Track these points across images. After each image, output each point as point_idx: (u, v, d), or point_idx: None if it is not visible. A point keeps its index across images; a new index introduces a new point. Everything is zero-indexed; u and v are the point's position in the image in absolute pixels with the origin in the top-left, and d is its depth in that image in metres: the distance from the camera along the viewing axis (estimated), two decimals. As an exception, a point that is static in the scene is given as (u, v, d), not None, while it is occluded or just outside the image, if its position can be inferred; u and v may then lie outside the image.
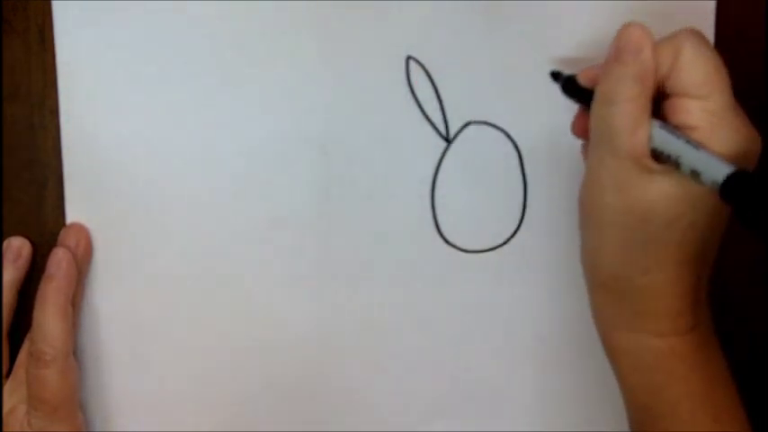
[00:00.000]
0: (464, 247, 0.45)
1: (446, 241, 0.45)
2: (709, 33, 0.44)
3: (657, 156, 0.35)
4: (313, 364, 0.46)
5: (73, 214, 0.44)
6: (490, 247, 0.45)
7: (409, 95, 0.44)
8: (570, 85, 0.40)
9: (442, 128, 0.44)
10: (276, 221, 0.45)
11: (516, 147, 0.44)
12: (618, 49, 0.37)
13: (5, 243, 0.44)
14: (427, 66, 0.43)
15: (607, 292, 0.39)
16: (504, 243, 0.45)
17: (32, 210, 0.44)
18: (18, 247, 0.44)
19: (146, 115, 0.43)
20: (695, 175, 0.34)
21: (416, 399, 0.47)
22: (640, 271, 0.37)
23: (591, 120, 0.37)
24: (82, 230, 0.44)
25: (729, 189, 0.33)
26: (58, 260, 0.42)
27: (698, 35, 0.37)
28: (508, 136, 0.44)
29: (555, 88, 0.43)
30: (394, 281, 0.45)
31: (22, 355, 0.44)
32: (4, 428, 0.42)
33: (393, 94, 0.44)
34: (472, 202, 0.45)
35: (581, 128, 0.41)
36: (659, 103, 0.37)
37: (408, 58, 0.43)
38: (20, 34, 0.43)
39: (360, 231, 0.45)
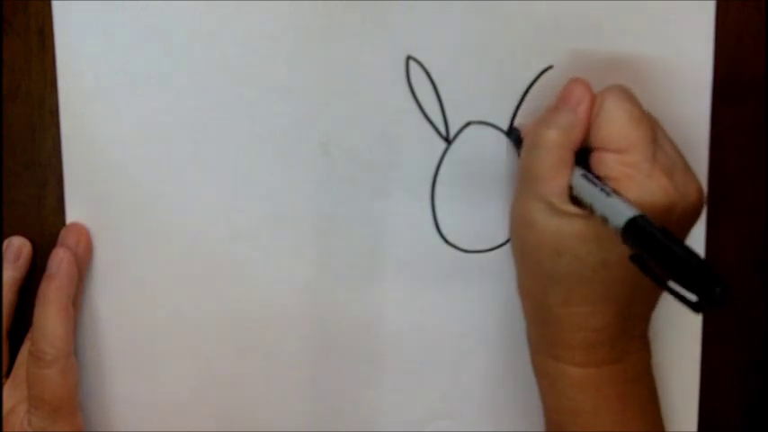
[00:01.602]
0: (464, 247, 0.45)
1: (446, 241, 0.45)
2: (709, 33, 0.44)
3: (577, 201, 0.37)
4: (313, 364, 0.46)
5: (73, 214, 0.44)
6: (490, 247, 0.45)
7: (409, 95, 0.44)
8: (519, 141, 0.43)
9: (442, 128, 0.44)
10: (276, 221, 0.45)
11: (516, 147, 0.44)
12: (559, 100, 0.39)
13: (5, 243, 0.44)
14: (427, 66, 0.43)
15: (532, 318, 0.41)
16: (504, 243, 0.45)
17: (32, 210, 0.44)
18: (18, 246, 0.44)
19: (146, 115, 0.43)
20: (605, 220, 0.35)
21: (416, 399, 0.47)
22: (558, 302, 0.39)
23: (519, 162, 0.40)
24: (82, 230, 0.44)
25: (629, 233, 0.34)
26: (59, 260, 0.42)
27: (621, 90, 0.38)
28: (508, 136, 0.44)
29: (555, 88, 0.43)
30: (394, 281, 0.45)
31: (22, 355, 0.44)
32: (4, 428, 0.42)
33: (393, 94, 0.44)
34: (472, 201, 0.45)
35: None
36: (588, 154, 0.39)
37: (408, 58, 0.43)
38: (20, 34, 0.43)
39: (360, 231, 0.45)
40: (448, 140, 0.44)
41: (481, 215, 0.45)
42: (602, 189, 0.36)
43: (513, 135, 0.44)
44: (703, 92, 0.44)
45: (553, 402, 0.41)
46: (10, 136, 0.44)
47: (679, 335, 0.46)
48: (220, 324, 0.45)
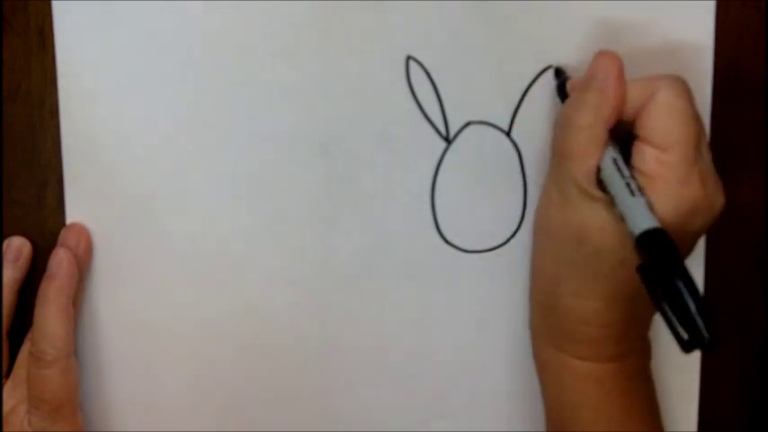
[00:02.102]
0: (464, 247, 0.45)
1: (446, 241, 0.45)
2: (709, 33, 0.44)
3: (602, 185, 0.36)
4: (313, 364, 0.46)
5: (73, 214, 0.44)
6: (490, 247, 0.45)
7: (409, 95, 0.44)
8: (562, 88, 0.42)
9: (442, 128, 0.44)
10: (276, 221, 0.45)
11: (516, 147, 0.44)
12: (587, 76, 0.38)
13: (5, 243, 0.44)
14: (427, 66, 0.43)
15: (539, 305, 0.41)
16: (504, 243, 0.45)
17: (32, 210, 0.44)
18: (18, 246, 0.44)
19: (146, 115, 0.43)
20: (623, 219, 0.35)
21: (416, 399, 0.47)
22: (570, 292, 0.38)
23: (551, 139, 0.39)
24: (82, 230, 0.44)
25: (643, 243, 0.33)
26: (59, 260, 0.42)
27: (679, 84, 0.37)
28: (508, 136, 0.44)
29: (555, 89, 0.43)
30: (394, 281, 0.45)
31: (23, 355, 0.44)
32: (4, 428, 0.42)
33: (393, 94, 0.44)
34: (472, 202, 0.45)
35: None
36: (632, 140, 0.37)
37: (408, 58, 0.43)
38: (20, 34, 0.43)
39: (360, 231, 0.45)
40: (448, 140, 0.44)
41: (481, 215, 0.45)
42: (627, 184, 0.35)
43: (560, 80, 0.42)
44: (703, 92, 0.44)
45: (555, 395, 0.41)
46: (10, 136, 0.44)
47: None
48: (220, 324, 0.45)
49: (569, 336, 0.39)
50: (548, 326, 0.40)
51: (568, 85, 0.41)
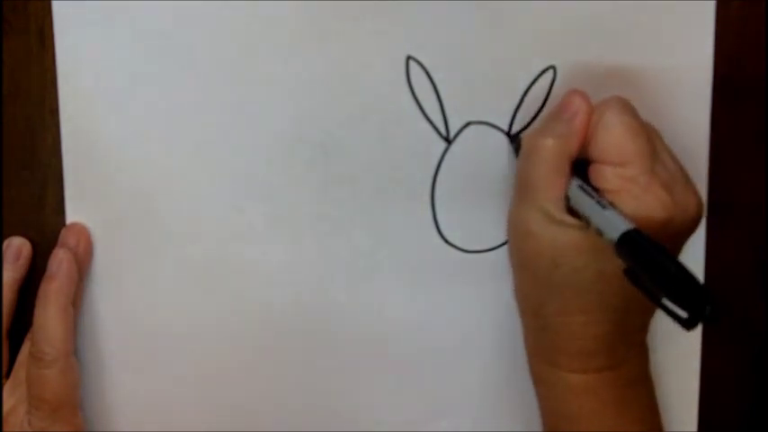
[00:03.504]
0: (464, 247, 0.45)
1: (446, 241, 0.45)
2: (709, 33, 0.44)
3: (574, 212, 0.37)
4: (313, 364, 0.46)
5: (73, 214, 0.44)
6: (490, 247, 0.45)
7: (409, 95, 0.44)
8: (519, 145, 0.42)
9: (442, 128, 0.44)
10: (276, 221, 0.45)
11: (516, 149, 0.44)
12: (557, 110, 0.39)
13: (5, 243, 0.44)
14: (427, 66, 0.43)
15: (529, 325, 0.41)
16: (505, 243, 0.45)
17: (32, 210, 0.44)
18: (18, 246, 0.44)
19: (146, 115, 0.43)
20: (600, 233, 0.36)
21: (416, 399, 0.47)
22: (555, 312, 0.39)
23: (516, 169, 0.40)
24: (82, 230, 0.44)
25: (623, 246, 0.34)
26: (59, 260, 0.42)
27: (620, 103, 0.38)
28: (508, 136, 0.44)
29: (555, 89, 0.43)
30: (394, 281, 0.45)
31: (23, 355, 0.44)
32: (4, 428, 0.42)
33: (393, 94, 0.44)
34: (472, 201, 0.45)
35: None
36: (587, 166, 0.39)
37: (408, 58, 0.43)
38: (20, 34, 0.43)
39: (360, 231, 0.45)
40: (448, 140, 0.44)
41: (481, 215, 0.45)
42: (597, 201, 0.36)
43: (515, 143, 0.43)
44: (703, 92, 0.44)
45: (551, 408, 0.41)
46: (10, 136, 0.44)
47: (679, 335, 0.46)
48: (220, 324, 0.45)
49: (561, 351, 0.39)
50: (539, 343, 0.41)
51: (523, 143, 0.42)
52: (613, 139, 0.37)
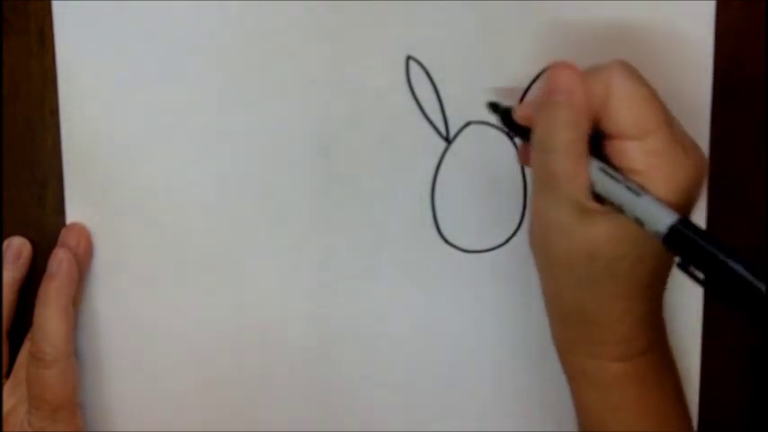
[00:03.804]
0: (464, 247, 0.45)
1: (446, 241, 0.45)
2: (709, 33, 0.44)
3: (600, 197, 0.35)
4: (313, 364, 0.46)
5: (73, 214, 0.44)
6: (490, 247, 0.45)
7: (409, 95, 0.44)
8: (508, 119, 0.40)
9: (442, 128, 0.44)
10: (276, 221, 0.45)
11: (516, 147, 0.44)
12: (548, 93, 0.36)
13: (5, 243, 0.44)
14: (427, 66, 0.43)
15: (564, 321, 0.39)
16: (504, 243, 0.45)
17: (32, 210, 0.44)
18: (18, 246, 0.44)
19: (146, 115, 0.43)
20: (639, 222, 0.34)
21: (416, 399, 0.47)
22: (594, 304, 0.37)
23: (531, 164, 0.37)
24: (82, 230, 0.44)
25: (673, 240, 0.33)
26: (60, 260, 0.42)
27: (626, 68, 0.36)
28: (508, 136, 0.44)
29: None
30: (394, 281, 0.45)
31: (23, 356, 0.44)
32: (4, 428, 0.42)
33: (393, 94, 0.44)
34: (472, 201, 0.45)
35: (525, 157, 0.41)
36: (601, 141, 0.36)
37: (408, 58, 0.43)
38: (20, 34, 0.43)
39: (360, 231, 0.45)
40: (448, 140, 0.44)
41: (481, 215, 0.45)
42: (627, 187, 0.34)
43: (501, 111, 0.41)
44: (703, 91, 0.44)
45: (593, 399, 0.39)
46: (10, 136, 0.44)
47: (679, 335, 0.46)
48: (220, 324, 0.45)
49: (603, 341, 0.38)
50: (578, 337, 0.39)
51: (517, 113, 0.40)
52: (630, 111, 0.35)
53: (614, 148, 0.35)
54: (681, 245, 0.33)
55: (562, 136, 0.35)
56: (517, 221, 0.45)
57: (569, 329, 0.39)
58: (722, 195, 0.45)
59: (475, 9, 0.43)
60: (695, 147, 0.36)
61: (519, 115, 0.39)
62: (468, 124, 0.44)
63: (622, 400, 0.38)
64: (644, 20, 0.43)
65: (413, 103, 0.44)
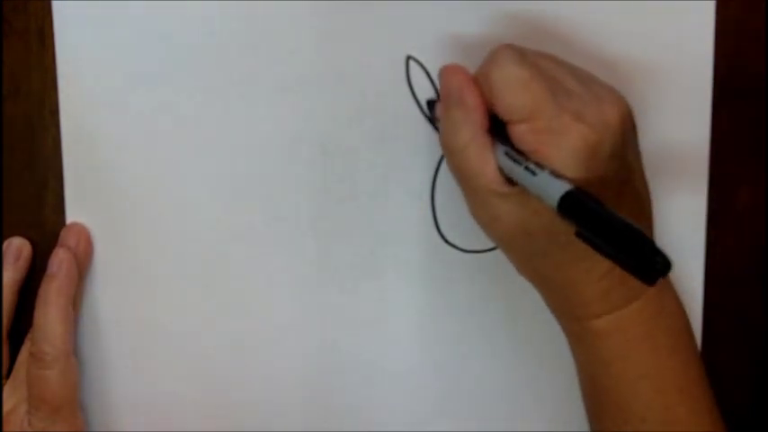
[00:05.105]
0: (464, 247, 0.45)
1: (446, 241, 0.45)
2: (709, 33, 0.44)
3: (511, 179, 0.36)
4: (312, 364, 0.46)
5: (73, 214, 0.44)
6: (490, 247, 0.45)
7: (409, 95, 0.44)
8: (433, 113, 0.42)
9: (442, 128, 0.44)
10: (276, 221, 0.45)
11: (516, 147, 0.44)
12: (443, 98, 0.38)
13: (5, 243, 0.44)
14: (427, 66, 0.43)
15: (544, 294, 0.41)
16: (504, 243, 0.45)
17: (32, 210, 0.44)
18: (18, 247, 0.44)
19: (146, 115, 0.43)
20: (540, 199, 0.35)
21: (416, 399, 0.47)
22: (553, 273, 0.38)
23: (447, 164, 0.39)
24: (82, 230, 0.44)
25: (565, 210, 0.33)
26: (59, 260, 0.42)
27: (504, 54, 0.37)
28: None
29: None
30: (394, 281, 0.45)
31: (23, 355, 0.44)
32: (4, 428, 0.42)
33: (393, 94, 0.44)
34: (472, 202, 0.45)
35: None
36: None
37: (408, 58, 0.43)
38: (20, 34, 0.43)
39: (360, 231, 0.45)
40: (448, 140, 0.44)
41: (481, 215, 0.45)
42: (525, 168, 0.35)
43: (432, 111, 0.43)
44: (703, 92, 0.44)
45: (583, 358, 0.41)
46: (10, 136, 0.44)
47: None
48: (220, 324, 0.45)
49: (577, 303, 0.39)
50: (559, 302, 0.40)
51: (436, 112, 0.42)
52: (508, 98, 0.36)
53: (512, 132, 0.36)
54: (573, 214, 0.33)
55: (462, 136, 0.37)
56: (517, 221, 0.45)
57: (549, 300, 0.40)
58: (722, 196, 0.45)
59: (475, 9, 0.43)
60: (600, 101, 0.36)
61: (437, 115, 0.42)
62: (468, 124, 0.44)
63: (609, 355, 0.39)
64: (644, 20, 0.43)
65: (413, 103, 0.44)
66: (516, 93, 0.36)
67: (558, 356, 0.46)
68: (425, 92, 0.44)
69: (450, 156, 0.38)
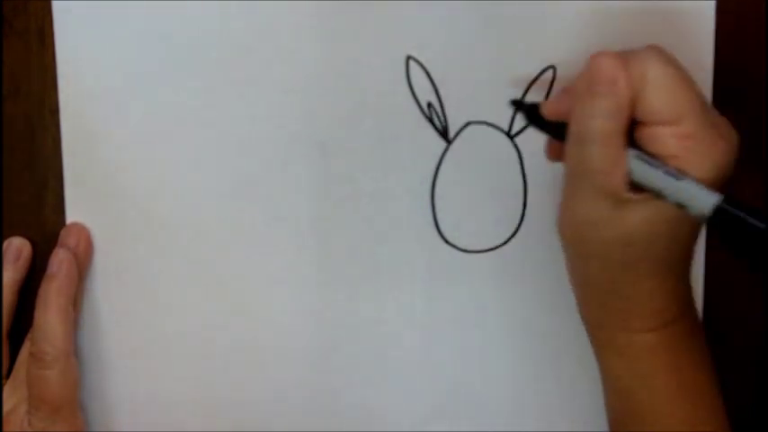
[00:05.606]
0: (464, 247, 0.45)
1: (446, 241, 0.45)
2: (709, 33, 0.44)
3: (636, 185, 0.35)
4: (313, 364, 0.46)
5: (73, 214, 0.44)
6: (490, 247, 0.45)
7: (409, 95, 0.44)
8: (535, 115, 0.40)
9: (441, 128, 0.44)
10: (276, 221, 0.45)
11: (516, 147, 0.44)
12: (590, 82, 0.35)
13: (5, 243, 0.44)
14: (427, 66, 0.43)
15: (594, 302, 0.39)
16: (504, 243, 0.45)
17: (32, 210, 0.44)
18: (18, 247, 0.44)
19: (146, 115, 0.43)
20: (681, 205, 0.34)
21: (416, 399, 0.47)
22: (627, 285, 0.37)
23: (566, 156, 0.37)
24: (82, 230, 0.44)
25: (718, 220, 0.33)
26: (60, 260, 0.42)
27: (662, 54, 0.36)
28: (508, 136, 0.44)
29: (555, 89, 0.43)
30: (394, 281, 0.45)
31: (23, 355, 0.44)
32: (5, 428, 0.42)
33: (393, 94, 0.44)
34: (472, 202, 0.45)
35: (555, 152, 0.40)
36: (633, 129, 0.36)
37: (408, 58, 0.43)
38: (20, 34, 0.43)
39: (360, 231, 0.45)
40: (448, 140, 0.44)
41: (481, 215, 0.45)
42: (666, 172, 0.34)
43: (526, 107, 0.41)
44: (703, 91, 0.44)
45: (623, 369, 0.40)
46: (10, 136, 0.44)
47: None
48: (220, 324, 0.45)
49: (635, 314, 0.38)
50: (609, 313, 0.39)
51: (547, 107, 0.39)
52: (665, 96, 0.35)
53: (648, 134, 0.35)
54: (726, 224, 0.33)
55: (601, 127, 0.35)
56: (517, 221, 0.45)
57: (600, 309, 0.39)
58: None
59: (475, 9, 0.43)
60: (727, 126, 0.36)
61: (548, 110, 0.39)
62: (468, 124, 0.44)
63: (651, 369, 0.39)
64: (644, 19, 0.43)
65: (413, 103, 0.44)
66: (671, 93, 0.35)
67: (558, 356, 0.46)
68: (425, 92, 0.44)
69: (577, 145, 0.36)
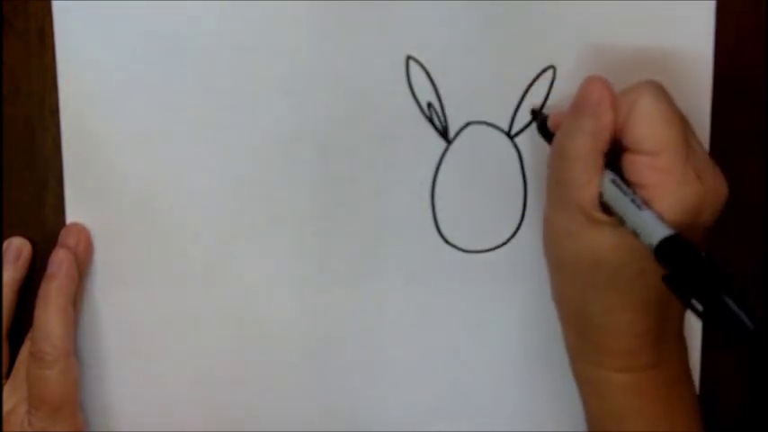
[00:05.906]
0: (464, 247, 0.45)
1: (446, 241, 0.45)
2: (709, 33, 0.44)
3: (607, 207, 0.36)
4: (312, 364, 0.46)
5: (73, 214, 0.44)
6: (490, 247, 0.45)
7: (409, 95, 0.44)
8: (543, 126, 0.42)
9: (441, 128, 0.44)
10: (276, 221, 0.45)
11: (516, 147, 0.44)
12: (577, 103, 0.38)
13: (5, 243, 0.44)
14: (427, 66, 0.43)
15: (571, 326, 0.40)
16: (504, 243, 0.45)
17: (32, 210, 0.44)
18: (18, 247, 0.44)
19: (146, 115, 0.43)
20: (636, 234, 0.35)
21: (416, 399, 0.47)
22: (600, 311, 0.38)
23: (548, 165, 0.39)
24: (82, 230, 0.44)
25: (662, 253, 0.33)
26: (59, 260, 0.42)
27: (655, 89, 0.37)
28: (508, 136, 0.44)
29: (555, 89, 0.43)
30: (394, 281, 0.45)
31: (23, 355, 0.44)
32: (5, 428, 0.42)
33: (393, 94, 0.44)
34: (472, 202, 0.45)
35: None
36: (620, 154, 0.37)
37: (408, 58, 0.43)
38: (20, 34, 0.43)
39: (360, 231, 0.45)
40: (448, 140, 0.44)
41: (481, 215, 0.45)
42: (632, 200, 0.35)
43: (540, 119, 0.43)
44: (703, 92, 0.44)
45: (597, 407, 0.40)
46: (10, 136, 0.44)
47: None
48: (220, 324, 0.45)
49: (606, 351, 0.39)
50: (583, 343, 0.40)
51: (550, 122, 0.41)
52: (647, 127, 0.36)
53: (629, 160, 0.37)
54: (670, 260, 0.33)
55: (581, 144, 0.37)
56: (517, 221, 0.45)
57: (576, 335, 0.40)
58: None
59: (475, 9, 0.43)
60: (715, 175, 0.37)
61: (550, 122, 0.41)
62: (468, 124, 0.44)
63: (625, 411, 0.39)
64: (644, 21, 0.43)
65: (413, 103, 0.44)
66: (657, 126, 0.36)
67: (558, 357, 0.46)
68: (425, 92, 0.44)
69: (559, 158, 0.38)
